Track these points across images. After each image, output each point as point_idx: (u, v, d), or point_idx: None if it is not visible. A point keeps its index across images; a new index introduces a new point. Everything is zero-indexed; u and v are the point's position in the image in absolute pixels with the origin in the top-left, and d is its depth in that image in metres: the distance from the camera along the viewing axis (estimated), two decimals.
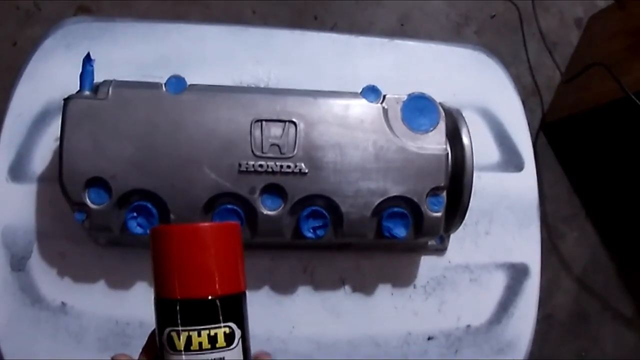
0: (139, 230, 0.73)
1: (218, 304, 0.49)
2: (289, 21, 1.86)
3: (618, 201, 1.89)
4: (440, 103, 0.80)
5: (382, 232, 0.77)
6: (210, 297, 0.49)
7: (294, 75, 0.93)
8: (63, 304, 0.82)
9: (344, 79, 0.91)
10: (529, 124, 0.99)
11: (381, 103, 0.78)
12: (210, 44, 0.94)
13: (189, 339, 0.48)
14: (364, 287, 0.87)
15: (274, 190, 0.75)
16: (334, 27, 1.87)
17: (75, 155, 0.73)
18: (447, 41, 1.02)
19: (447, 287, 0.89)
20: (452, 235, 0.89)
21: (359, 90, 0.79)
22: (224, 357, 0.49)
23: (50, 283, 0.83)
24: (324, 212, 0.75)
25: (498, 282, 0.90)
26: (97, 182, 0.73)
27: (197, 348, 0.48)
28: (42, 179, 0.85)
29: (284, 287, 0.86)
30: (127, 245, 0.83)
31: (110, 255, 0.84)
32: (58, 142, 0.74)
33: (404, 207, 0.77)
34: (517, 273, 0.90)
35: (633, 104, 1.39)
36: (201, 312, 0.49)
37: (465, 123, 0.80)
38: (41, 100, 0.88)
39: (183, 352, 0.48)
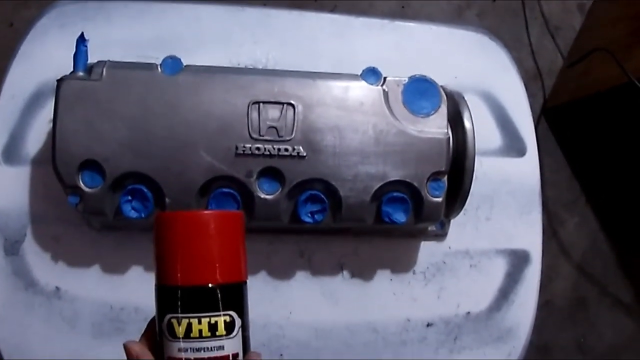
0: (133, 214, 0.72)
1: (219, 292, 0.50)
2: (288, 3, 1.83)
3: (618, 188, 1.88)
4: (441, 86, 0.78)
5: (381, 217, 0.76)
6: (211, 285, 0.49)
7: (293, 56, 0.92)
8: (57, 288, 0.81)
9: (343, 60, 0.89)
10: (530, 108, 0.97)
11: (381, 85, 0.77)
12: (207, 24, 0.92)
13: (189, 326, 0.49)
14: (363, 272, 0.86)
15: (272, 174, 0.73)
16: (333, 9, 1.85)
17: (68, 137, 0.71)
18: (448, 23, 1.00)
19: (446, 273, 0.88)
20: (452, 221, 0.88)
21: (359, 72, 0.78)
22: (223, 346, 0.49)
23: (44, 267, 0.82)
24: (323, 196, 0.74)
25: (498, 269, 0.89)
26: (90, 165, 0.72)
27: (197, 335, 0.49)
28: (36, 162, 0.84)
29: (282, 272, 0.85)
30: (122, 229, 0.82)
31: (104, 239, 0.83)
32: (52, 124, 0.72)
33: (404, 192, 0.75)
34: (518, 259, 0.89)
35: (636, 89, 1.37)
36: (202, 300, 0.49)
37: (467, 107, 0.79)
38: (35, 81, 0.87)
39: (182, 339, 0.49)
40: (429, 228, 0.87)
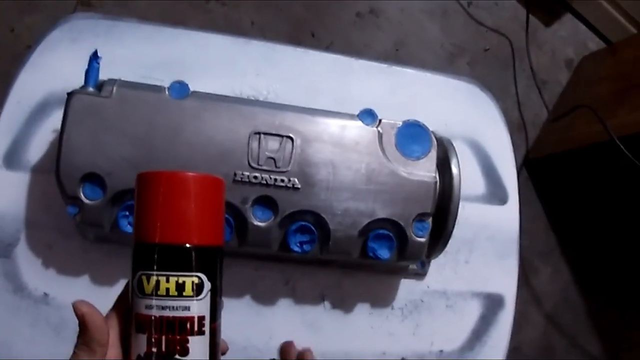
0: (129, 229, 0.74)
1: (192, 252, 0.50)
2: (286, 36, 1.87)
3: (593, 242, 1.92)
4: (432, 131, 0.82)
5: (366, 252, 0.79)
6: (186, 245, 0.50)
7: (293, 91, 0.95)
8: (45, 294, 0.83)
9: (341, 99, 0.93)
10: None
11: (377, 127, 0.80)
12: (214, 52, 0.96)
13: (157, 284, 0.49)
14: (344, 304, 0.89)
15: (266, 202, 0.76)
16: (329, 46, 1.89)
17: (73, 149, 0.73)
18: (439, 70, 1.05)
19: (423, 311, 0.91)
20: (432, 261, 0.91)
21: (355, 112, 0.81)
22: (189, 307, 0.49)
23: (34, 272, 0.83)
24: (312, 227, 0.77)
25: (473, 311, 0.92)
26: (92, 178, 0.74)
27: (164, 294, 0.49)
28: (36, 169, 0.86)
29: (265, 298, 0.87)
30: (115, 242, 0.83)
31: (97, 250, 0.84)
32: (55, 134, 0.75)
33: (390, 230, 0.78)
34: (492, 303, 0.93)
35: (616, 148, 1.42)
36: (174, 259, 0.50)
37: (456, 153, 0.82)
38: (42, 90, 0.89)
39: (150, 296, 0.49)
40: (410, 266, 0.90)
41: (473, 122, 1.01)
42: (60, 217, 0.80)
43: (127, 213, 0.74)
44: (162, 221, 0.51)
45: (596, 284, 1.91)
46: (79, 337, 0.51)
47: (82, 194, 0.74)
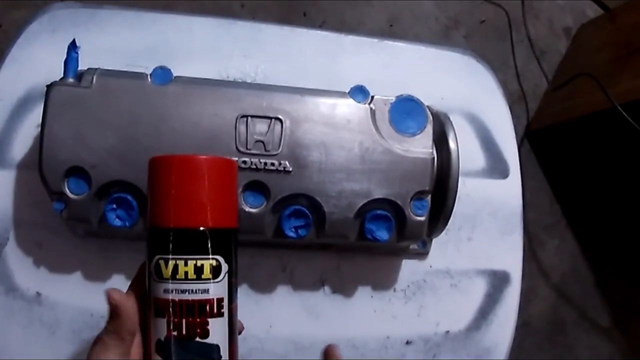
0: (117, 222, 0.72)
1: (208, 235, 0.51)
2: (278, 17, 1.85)
3: (599, 212, 1.90)
4: (428, 106, 0.79)
5: (364, 234, 0.76)
6: (201, 228, 0.51)
7: (282, 71, 0.92)
8: (38, 294, 0.81)
9: (332, 77, 0.90)
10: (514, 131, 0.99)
11: (369, 104, 0.77)
12: (198, 35, 0.93)
13: (175, 268, 0.50)
14: (344, 288, 0.87)
15: (257, 188, 0.74)
16: (322, 25, 1.86)
17: (56, 143, 0.71)
18: (435, 44, 1.02)
19: (427, 292, 0.89)
20: (434, 240, 0.89)
21: (347, 90, 0.78)
22: (208, 289, 0.50)
23: (25, 272, 0.81)
24: (307, 211, 0.75)
25: (478, 289, 0.90)
26: (77, 172, 0.71)
27: (183, 277, 0.50)
28: (22, 166, 0.84)
29: (263, 286, 0.85)
30: (106, 237, 0.81)
31: (87, 246, 0.82)
32: (39, 129, 0.72)
33: (387, 210, 0.76)
34: (498, 280, 0.90)
35: (618, 115, 1.39)
36: (191, 243, 0.51)
37: (453, 127, 0.80)
38: (24, 85, 0.86)
39: (168, 280, 0.50)
40: (411, 246, 0.88)
41: (470, 94, 0.98)
42: (49, 214, 0.78)
43: (115, 206, 0.72)
44: (176, 205, 0.51)
45: (604, 254, 1.89)
46: (108, 324, 0.52)
47: (67, 189, 0.72)
